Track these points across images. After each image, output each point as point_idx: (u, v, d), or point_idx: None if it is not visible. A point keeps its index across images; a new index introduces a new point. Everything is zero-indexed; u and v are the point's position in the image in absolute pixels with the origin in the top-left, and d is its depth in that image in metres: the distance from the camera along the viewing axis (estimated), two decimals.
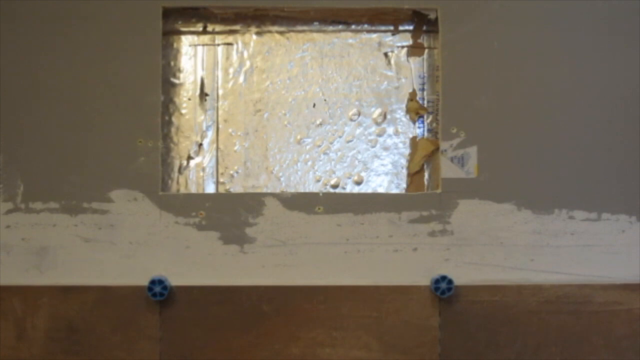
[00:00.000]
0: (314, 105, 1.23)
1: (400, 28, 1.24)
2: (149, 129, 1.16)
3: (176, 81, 1.23)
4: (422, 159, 1.22)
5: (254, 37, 1.24)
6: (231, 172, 1.23)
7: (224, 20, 1.23)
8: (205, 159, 1.23)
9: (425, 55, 1.24)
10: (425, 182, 1.23)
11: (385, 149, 1.24)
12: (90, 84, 1.15)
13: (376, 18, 1.23)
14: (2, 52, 1.15)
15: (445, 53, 1.17)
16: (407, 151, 1.24)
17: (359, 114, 1.23)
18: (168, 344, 1.12)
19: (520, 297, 1.13)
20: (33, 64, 1.15)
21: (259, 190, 1.21)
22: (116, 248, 1.15)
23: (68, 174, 1.15)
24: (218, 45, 1.24)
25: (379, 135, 1.23)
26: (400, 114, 1.24)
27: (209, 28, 1.24)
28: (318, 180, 1.23)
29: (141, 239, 1.15)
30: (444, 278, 1.12)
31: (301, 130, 1.23)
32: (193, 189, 1.22)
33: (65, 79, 1.15)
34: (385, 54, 1.24)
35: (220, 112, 1.23)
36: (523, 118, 1.16)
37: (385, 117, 1.24)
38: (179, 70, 1.23)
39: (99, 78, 1.16)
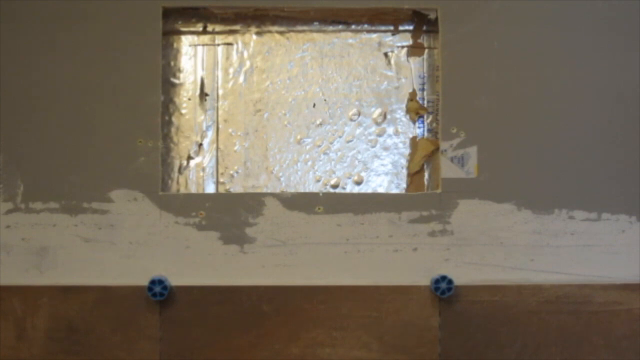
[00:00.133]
0: (314, 105, 1.23)
1: (400, 28, 1.24)
2: (149, 129, 1.15)
3: (176, 81, 1.23)
4: (422, 159, 1.22)
5: (254, 37, 1.24)
6: (231, 172, 1.23)
7: (224, 20, 1.23)
8: (205, 159, 1.23)
9: (425, 55, 1.24)
10: (425, 182, 1.23)
11: (385, 149, 1.23)
12: (90, 84, 1.16)
13: (376, 18, 1.23)
14: (2, 52, 1.15)
15: (445, 53, 1.17)
16: (407, 151, 1.24)
17: (359, 114, 1.23)
18: (168, 344, 1.12)
19: (520, 297, 1.13)
20: (33, 64, 1.15)
21: (259, 190, 1.21)
22: (116, 248, 1.15)
23: (68, 174, 1.15)
24: (218, 45, 1.24)
25: (379, 135, 1.23)
26: (400, 114, 1.24)
27: (209, 28, 1.24)
28: (318, 180, 1.23)
29: (141, 239, 1.15)
30: (444, 278, 1.12)
31: (301, 130, 1.23)
32: (193, 189, 1.22)
33: (66, 79, 1.15)
34: (385, 54, 1.24)
35: (220, 112, 1.23)
36: (523, 118, 1.16)
37: (385, 117, 1.24)
38: (179, 70, 1.23)
39: (99, 78, 1.16)
